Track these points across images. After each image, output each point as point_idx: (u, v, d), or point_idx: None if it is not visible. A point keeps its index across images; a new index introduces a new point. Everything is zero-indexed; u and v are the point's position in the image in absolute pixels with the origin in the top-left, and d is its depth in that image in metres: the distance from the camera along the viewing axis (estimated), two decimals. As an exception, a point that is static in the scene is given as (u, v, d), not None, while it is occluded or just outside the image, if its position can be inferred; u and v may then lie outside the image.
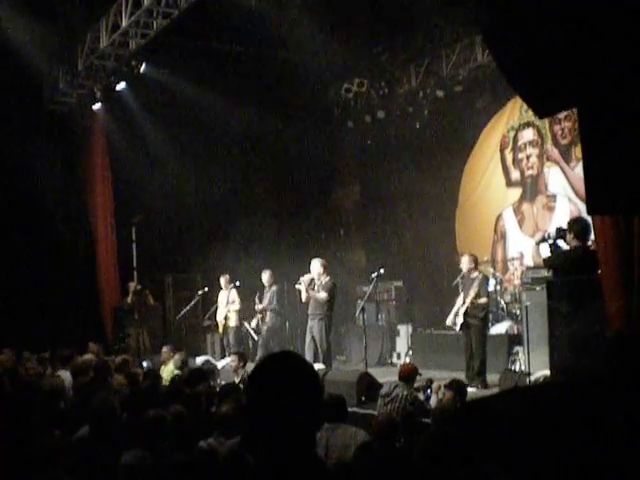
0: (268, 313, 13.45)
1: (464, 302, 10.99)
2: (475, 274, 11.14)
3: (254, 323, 13.68)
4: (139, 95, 15.08)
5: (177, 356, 10.94)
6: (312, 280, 11.92)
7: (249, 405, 2.04)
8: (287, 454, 1.97)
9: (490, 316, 11.74)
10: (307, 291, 11.79)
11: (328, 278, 11.90)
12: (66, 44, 14.27)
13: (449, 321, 11.66)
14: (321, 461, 2.09)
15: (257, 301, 13.64)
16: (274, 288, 13.51)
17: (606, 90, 4.47)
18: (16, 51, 13.22)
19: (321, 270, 11.87)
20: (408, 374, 8.01)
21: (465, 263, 11.33)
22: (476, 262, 11.37)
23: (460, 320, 10.96)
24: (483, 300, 10.90)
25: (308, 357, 11.64)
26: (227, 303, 13.94)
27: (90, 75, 14.58)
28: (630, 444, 1.99)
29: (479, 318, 10.89)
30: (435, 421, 5.52)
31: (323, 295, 11.68)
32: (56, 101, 15.59)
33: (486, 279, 11.32)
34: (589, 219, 7.49)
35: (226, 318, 13.92)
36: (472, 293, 10.89)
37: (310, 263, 12.04)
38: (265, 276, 13.58)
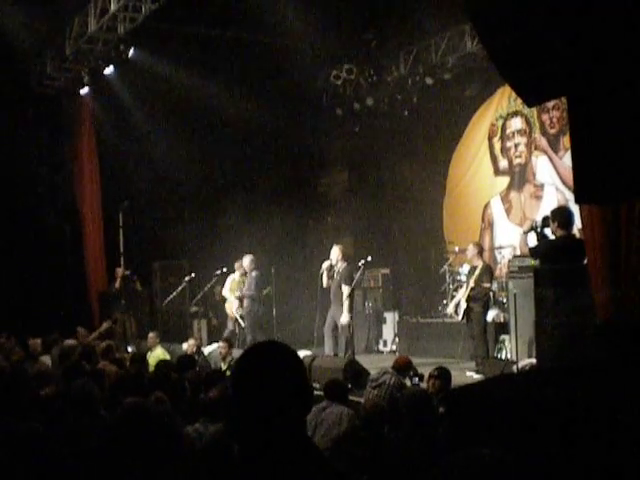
0: (245, 300, 13.50)
1: (467, 290, 11.13)
2: (478, 262, 11.27)
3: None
4: (127, 80, 15.00)
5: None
6: (331, 266, 12.10)
7: (234, 394, 2.04)
8: (273, 442, 1.97)
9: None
10: (327, 280, 12.08)
11: (345, 264, 12.05)
12: (54, 28, 14.15)
13: (450, 309, 11.79)
14: (313, 445, 2.09)
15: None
16: (254, 274, 13.53)
17: (595, 79, 4.47)
18: (3, 34, 13.11)
19: (340, 256, 12.06)
20: (402, 365, 8.04)
21: (470, 251, 11.52)
22: (480, 250, 11.52)
23: (463, 307, 11.04)
24: (486, 285, 11.02)
25: (328, 342, 12.00)
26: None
27: (78, 59, 14.46)
28: (617, 427, 2.01)
29: (481, 303, 10.98)
30: (405, 408, 5.48)
31: (347, 289, 11.79)
32: (44, 85, 15.48)
33: (488, 267, 11.42)
34: (575, 208, 7.52)
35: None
36: (474, 278, 11.06)
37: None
38: (246, 261, 13.60)
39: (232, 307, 13.85)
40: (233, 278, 14.02)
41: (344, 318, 11.71)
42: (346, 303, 11.74)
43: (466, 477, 1.53)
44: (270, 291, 13.90)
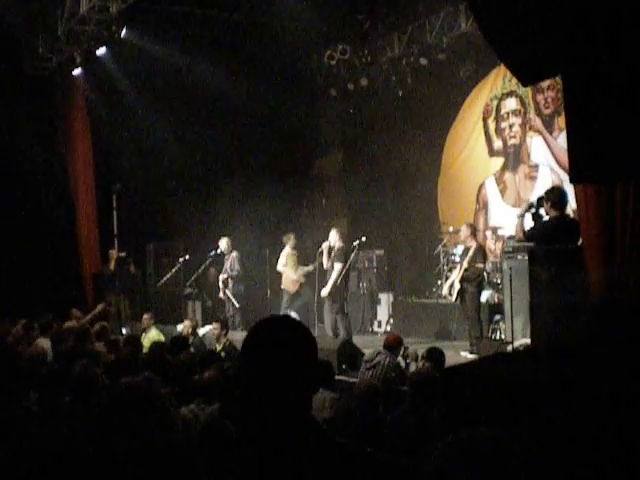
0: (230, 281, 13.68)
1: (460, 270, 11.19)
2: (472, 243, 11.30)
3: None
4: (120, 60, 14.93)
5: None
6: (330, 248, 12.24)
7: (243, 366, 2.02)
8: (283, 419, 1.96)
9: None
10: (327, 260, 12.21)
11: (342, 245, 12.21)
12: (46, 8, 14.04)
13: (444, 290, 11.85)
14: (318, 424, 2.08)
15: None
16: (234, 254, 13.82)
17: (590, 59, 4.46)
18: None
19: (336, 237, 12.22)
20: (393, 343, 8.09)
21: (463, 232, 11.61)
22: (474, 231, 11.57)
23: (457, 288, 11.10)
24: (480, 265, 11.08)
25: (327, 324, 12.16)
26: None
27: (70, 40, 14.36)
28: (609, 406, 2.02)
29: (474, 284, 11.04)
30: (412, 387, 5.54)
31: (338, 266, 11.93)
32: (36, 66, 15.37)
33: (481, 247, 11.48)
34: (570, 188, 7.52)
35: None
36: (467, 259, 11.12)
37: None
38: (223, 243, 13.92)
39: (287, 281, 14.09)
40: (287, 252, 14.23)
41: (324, 291, 12.00)
42: (333, 278, 11.91)
43: (469, 457, 1.54)
44: (315, 267, 14.00)
